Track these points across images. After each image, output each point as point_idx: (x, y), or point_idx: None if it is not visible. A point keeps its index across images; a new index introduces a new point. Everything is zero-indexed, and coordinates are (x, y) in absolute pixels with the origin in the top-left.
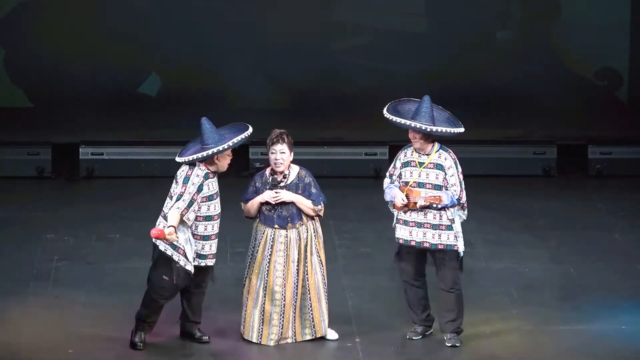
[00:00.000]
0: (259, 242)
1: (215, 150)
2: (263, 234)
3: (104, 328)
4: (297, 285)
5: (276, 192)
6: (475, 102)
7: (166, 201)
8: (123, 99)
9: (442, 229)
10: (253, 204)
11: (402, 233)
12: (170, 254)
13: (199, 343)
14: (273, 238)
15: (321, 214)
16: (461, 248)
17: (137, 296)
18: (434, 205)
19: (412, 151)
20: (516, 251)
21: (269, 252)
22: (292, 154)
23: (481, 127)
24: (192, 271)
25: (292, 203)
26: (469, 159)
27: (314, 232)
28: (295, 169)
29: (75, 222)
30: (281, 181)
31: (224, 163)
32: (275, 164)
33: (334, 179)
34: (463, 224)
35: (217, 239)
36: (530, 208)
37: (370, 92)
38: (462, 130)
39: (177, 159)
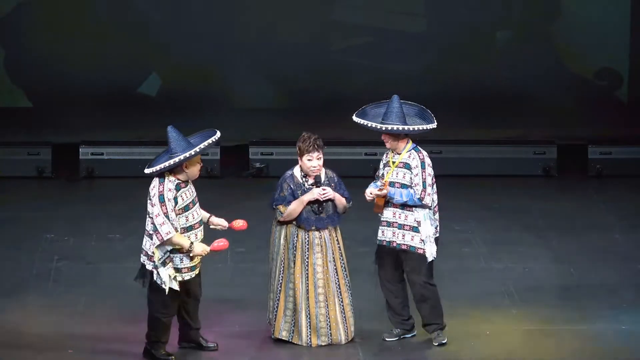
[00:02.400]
0: (295, 246)
1: (182, 157)
2: (297, 237)
3: (104, 328)
4: (338, 284)
5: (323, 189)
6: (475, 102)
7: (146, 220)
8: (123, 99)
9: (406, 229)
10: (300, 205)
11: (378, 233)
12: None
13: (208, 351)
14: (308, 240)
15: (348, 210)
16: (429, 252)
17: (137, 296)
18: (389, 194)
19: (389, 153)
20: (516, 251)
21: (307, 255)
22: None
23: (481, 127)
24: (167, 289)
25: (333, 205)
26: (469, 159)
27: (339, 230)
28: (322, 170)
29: (75, 222)
30: (313, 183)
31: (193, 170)
32: (312, 170)
33: None
34: (463, 224)
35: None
36: (530, 208)
37: (370, 92)
38: (433, 125)
39: (146, 171)
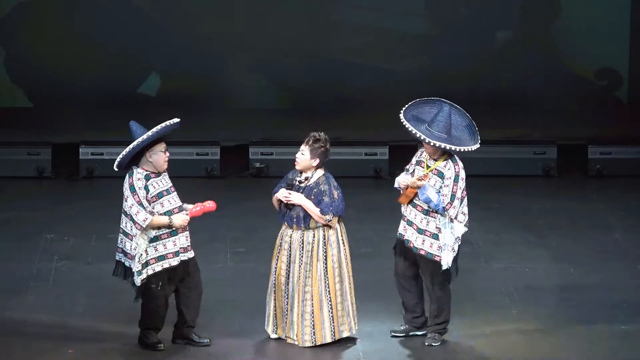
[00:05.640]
0: (277, 239)
1: (140, 140)
2: (280, 230)
3: (104, 328)
4: (298, 288)
5: (289, 193)
6: (476, 102)
7: (121, 218)
8: (123, 99)
9: (426, 235)
10: (274, 199)
11: (400, 227)
12: (128, 265)
13: (201, 347)
14: (282, 236)
15: (332, 224)
16: (445, 261)
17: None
18: (422, 189)
19: (426, 152)
20: (516, 251)
21: (279, 250)
22: (314, 160)
23: (481, 127)
24: (138, 283)
25: (304, 210)
26: (469, 158)
27: (324, 239)
28: (318, 173)
29: (75, 222)
30: (301, 182)
31: (158, 160)
32: (295, 160)
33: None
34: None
35: (186, 232)
36: (530, 208)
37: (370, 92)
38: (474, 147)
39: (115, 168)
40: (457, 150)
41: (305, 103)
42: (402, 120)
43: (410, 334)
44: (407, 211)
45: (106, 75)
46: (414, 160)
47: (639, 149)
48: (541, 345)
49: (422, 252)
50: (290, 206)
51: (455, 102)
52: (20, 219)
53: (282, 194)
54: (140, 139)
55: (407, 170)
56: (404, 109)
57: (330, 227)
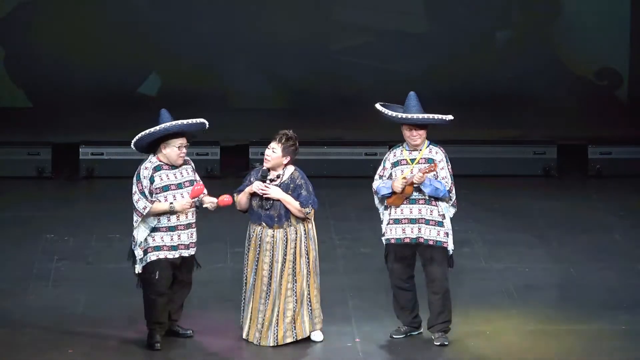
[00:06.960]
0: (251, 241)
1: (157, 128)
2: (253, 232)
3: (104, 328)
4: (281, 287)
5: (266, 186)
6: (475, 102)
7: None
8: (123, 99)
9: (432, 225)
10: (243, 195)
11: (394, 233)
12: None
13: (184, 338)
14: (261, 237)
15: (309, 217)
16: (450, 246)
17: (138, 296)
18: (432, 174)
19: (401, 150)
20: (516, 251)
21: (258, 251)
22: (285, 157)
23: (481, 127)
24: (138, 271)
25: (281, 203)
26: (469, 159)
27: (305, 234)
28: (289, 169)
29: (75, 222)
30: (272, 180)
31: (170, 154)
32: (264, 157)
33: (334, 179)
34: (463, 224)
35: (189, 229)
36: (530, 208)
37: (370, 92)
38: (450, 117)
39: (132, 146)
40: (440, 118)
41: (305, 103)
42: (381, 110)
43: (408, 334)
44: (406, 212)
45: (106, 75)
46: (387, 164)
47: (639, 149)
48: (541, 345)
49: (431, 242)
50: (268, 206)
51: (455, 102)
52: (20, 219)
53: (259, 186)
54: (153, 129)
55: (382, 176)
56: (378, 105)
57: (307, 220)
